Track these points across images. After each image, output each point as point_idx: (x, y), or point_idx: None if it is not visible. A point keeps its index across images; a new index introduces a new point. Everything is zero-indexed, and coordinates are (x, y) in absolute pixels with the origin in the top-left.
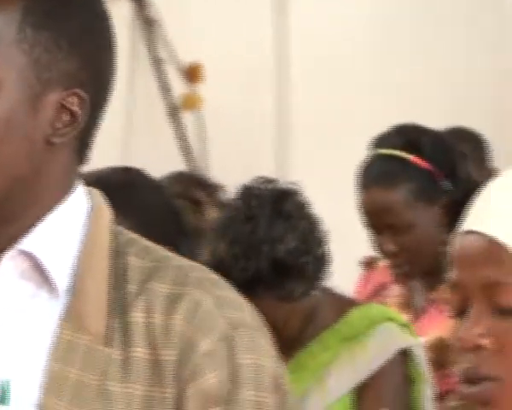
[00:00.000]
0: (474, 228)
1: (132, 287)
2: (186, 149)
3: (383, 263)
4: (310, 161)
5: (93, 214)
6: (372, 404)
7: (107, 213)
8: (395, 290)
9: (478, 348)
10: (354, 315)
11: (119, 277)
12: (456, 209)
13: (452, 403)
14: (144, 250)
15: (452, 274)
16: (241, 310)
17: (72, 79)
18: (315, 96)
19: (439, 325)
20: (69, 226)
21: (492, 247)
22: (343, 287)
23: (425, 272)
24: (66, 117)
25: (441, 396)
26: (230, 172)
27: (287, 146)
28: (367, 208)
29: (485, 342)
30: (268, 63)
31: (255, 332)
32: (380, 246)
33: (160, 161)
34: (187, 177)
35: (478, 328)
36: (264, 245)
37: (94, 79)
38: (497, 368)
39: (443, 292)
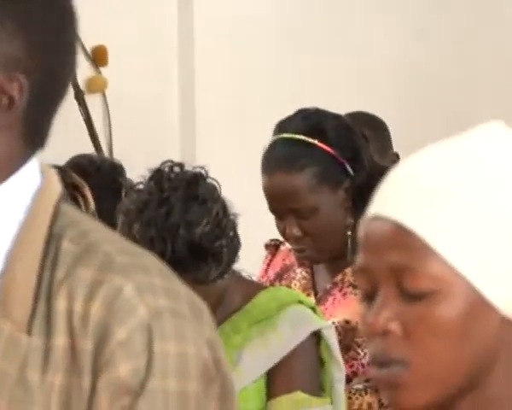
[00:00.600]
0: (381, 213)
1: (60, 273)
2: (92, 133)
3: (286, 246)
4: (215, 146)
5: (38, 196)
6: (285, 386)
7: (54, 193)
8: (299, 273)
9: (386, 332)
10: (263, 298)
11: (49, 262)
12: (359, 193)
13: (358, 385)
14: (81, 234)
15: (359, 259)
16: (168, 297)
17: (14, 63)
18: (220, 81)
19: (343, 308)
20: (9, 209)
21: (399, 232)
22: (249, 271)
23: (329, 255)
24: (4, 101)
25: (347, 379)
26: (134, 157)
27: (191, 130)
28: (270, 193)
29: (393, 326)
30: (172, 47)
31: (180, 320)
32: (283, 230)
33: (69, 144)
34: (80, 161)
35: (385, 313)
36: (180, 228)
37: (42, 69)
38: (405, 352)
39: (347, 275)
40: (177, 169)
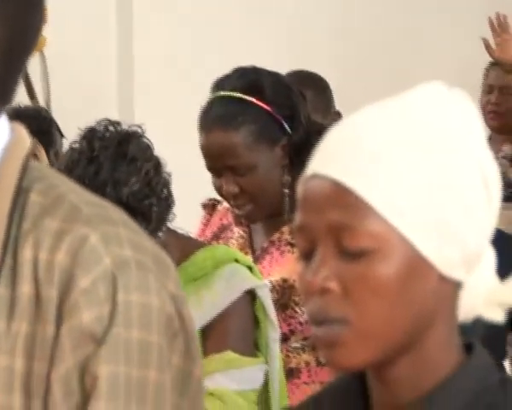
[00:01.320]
0: (320, 171)
1: (27, 224)
2: (29, 89)
3: (224, 206)
4: (153, 103)
5: (7, 151)
6: (218, 344)
7: (23, 148)
8: (236, 232)
9: (325, 290)
10: (200, 256)
11: (18, 215)
12: (296, 151)
13: (296, 344)
14: (49, 187)
15: (298, 217)
16: (133, 249)
17: None
18: (159, 37)
19: (280, 267)
20: None
21: (338, 190)
22: (187, 229)
23: (266, 213)
24: None
25: (285, 337)
26: (72, 115)
27: (130, 88)
28: (208, 151)
29: (331, 284)
30: (110, 5)
31: (145, 271)
32: (220, 188)
33: None
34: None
35: (324, 271)
36: (107, 187)
37: (10, 25)
38: (343, 310)
39: (284, 234)
40: (111, 128)
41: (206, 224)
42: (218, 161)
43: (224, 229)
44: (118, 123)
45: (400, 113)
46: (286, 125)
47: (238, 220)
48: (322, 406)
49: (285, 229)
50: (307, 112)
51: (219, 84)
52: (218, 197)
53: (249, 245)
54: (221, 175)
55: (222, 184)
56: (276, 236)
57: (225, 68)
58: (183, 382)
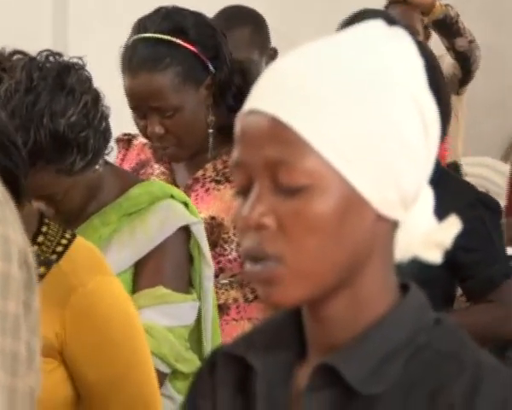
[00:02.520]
0: (257, 107)
1: None
2: None
3: (140, 140)
4: (88, 37)
5: None
6: (150, 280)
7: None
8: (157, 169)
9: (260, 226)
10: (135, 191)
11: None
12: (219, 90)
13: (224, 280)
14: None
15: (235, 153)
16: None
17: None
18: None
19: (207, 204)
20: None
21: (275, 126)
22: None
23: (191, 153)
24: None
25: (214, 275)
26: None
27: (65, 20)
28: (133, 92)
29: (267, 220)
30: None
31: (2, 205)
32: (144, 128)
33: None
34: None
35: (260, 207)
36: (44, 118)
37: None
38: (279, 247)
39: (208, 171)
40: (51, 59)
41: (122, 159)
42: (143, 103)
43: (142, 165)
44: (59, 54)
45: (338, 50)
46: (210, 66)
47: (158, 157)
48: (254, 344)
49: (208, 166)
50: (229, 50)
51: (142, 25)
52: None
53: (172, 182)
54: (146, 116)
55: (146, 124)
56: (199, 173)
57: (162, 1)
58: (25, 312)
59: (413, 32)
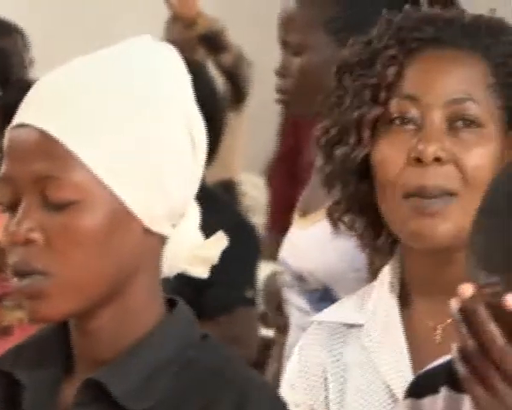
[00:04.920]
0: (24, 121)
1: None
2: None
3: None
4: None
5: None
6: None
7: None
8: None
9: (28, 241)
10: None
11: None
12: (9, 112)
13: (7, 303)
14: None
15: (3, 168)
16: None
17: None
18: None
19: None
20: None
21: (43, 140)
22: None
23: None
24: None
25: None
26: None
27: None
28: None
29: (34, 235)
30: None
31: None
32: None
33: None
34: None
35: (28, 222)
36: None
37: None
38: (46, 262)
39: None
40: None
41: None
42: None
43: None
44: None
45: (108, 65)
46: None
47: None
48: (21, 358)
49: None
50: (21, 72)
51: None
52: None
53: None
54: None
55: None
56: None
57: None
58: None
59: (187, 48)
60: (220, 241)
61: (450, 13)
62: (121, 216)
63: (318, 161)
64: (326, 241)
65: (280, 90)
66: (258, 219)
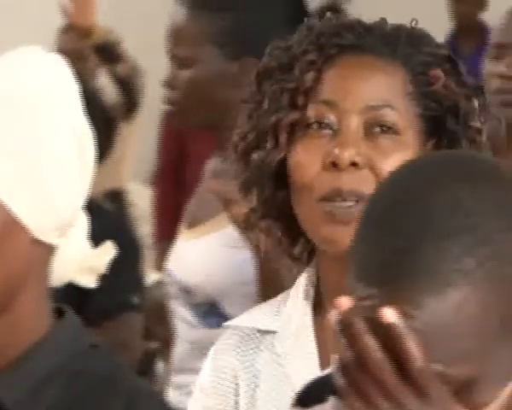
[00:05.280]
0: None
1: None
2: None
3: None
4: None
5: None
6: None
7: None
8: None
9: None
10: None
11: None
12: None
13: None
14: None
15: None
16: None
17: None
18: None
19: None
20: None
21: None
22: None
23: None
24: None
25: None
26: None
27: None
28: None
29: None
30: None
31: None
32: None
33: None
34: None
35: None
36: None
37: None
38: None
39: None
40: None
41: None
42: None
43: None
44: None
45: None
46: None
47: None
48: None
49: None
50: None
51: None
52: None
53: None
54: None
55: None
56: None
57: None
58: None
59: (80, 57)
60: (108, 250)
61: (371, 22)
62: (8, 225)
63: (208, 172)
64: (213, 254)
65: (168, 102)
66: (146, 228)
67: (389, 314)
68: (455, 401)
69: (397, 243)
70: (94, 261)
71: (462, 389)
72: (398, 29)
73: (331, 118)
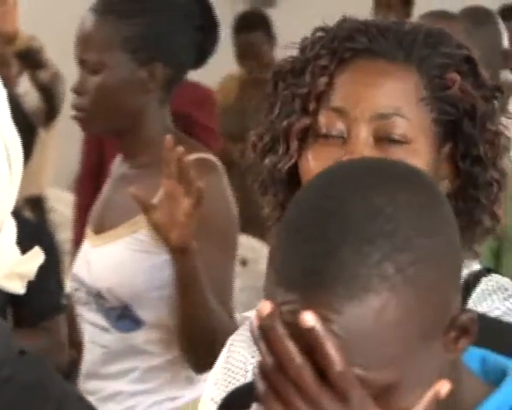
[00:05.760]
0: None
1: None
2: None
3: None
4: None
5: None
6: None
7: None
8: None
9: None
10: None
11: None
12: None
13: None
14: None
15: None
16: None
17: None
18: None
19: None
20: None
21: None
22: None
23: None
24: None
25: None
26: None
27: None
28: None
29: None
30: None
31: None
32: None
33: None
34: None
35: None
36: None
37: None
38: None
39: None
40: None
41: None
42: None
43: None
44: None
45: None
46: None
47: None
48: None
49: None
50: None
51: None
52: None
53: None
54: None
55: None
56: None
57: None
58: None
59: (3, 63)
60: (37, 256)
61: (388, 22)
62: None
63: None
64: (123, 260)
65: (76, 108)
66: (66, 234)
67: (309, 318)
68: (375, 405)
69: (317, 248)
70: (22, 267)
71: (383, 394)
72: (416, 29)
73: (340, 126)
